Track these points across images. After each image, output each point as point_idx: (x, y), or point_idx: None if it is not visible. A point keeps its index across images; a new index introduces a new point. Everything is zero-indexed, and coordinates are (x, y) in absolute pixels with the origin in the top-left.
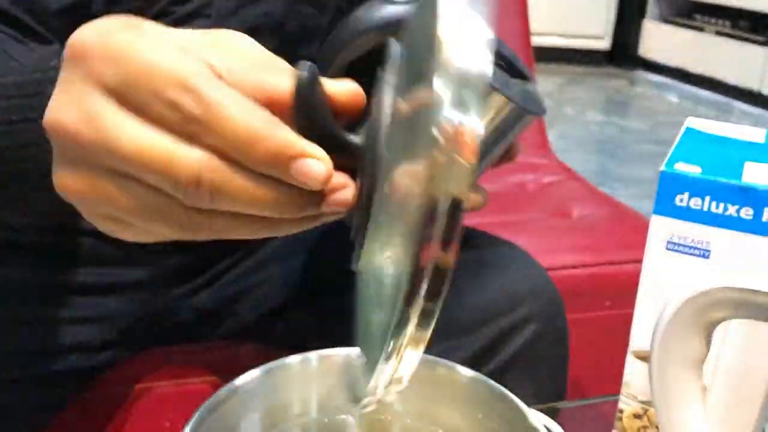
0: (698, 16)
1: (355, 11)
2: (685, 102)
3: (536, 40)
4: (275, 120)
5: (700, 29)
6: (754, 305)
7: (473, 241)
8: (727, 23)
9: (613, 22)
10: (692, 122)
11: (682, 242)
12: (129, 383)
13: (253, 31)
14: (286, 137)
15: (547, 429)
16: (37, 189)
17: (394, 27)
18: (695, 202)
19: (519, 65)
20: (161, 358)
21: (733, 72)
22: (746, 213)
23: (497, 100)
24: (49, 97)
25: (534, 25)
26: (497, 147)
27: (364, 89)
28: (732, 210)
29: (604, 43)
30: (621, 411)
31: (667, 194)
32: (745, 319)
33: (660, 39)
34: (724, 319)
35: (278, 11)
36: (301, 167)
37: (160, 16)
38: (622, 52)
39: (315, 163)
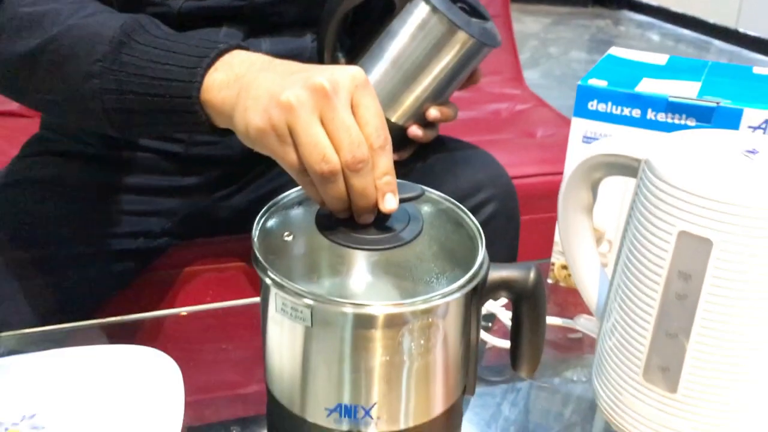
0: None
1: None
2: (666, 40)
3: None
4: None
5: None
6: (620, 166)
7: (448, 145)
8: None
9: None
10: (613, 50)
11: (592, 136)
12: (179, 266)
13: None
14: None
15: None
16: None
17: None
18: (602, 107)
19: (480, 9)
20: (204, 247)
21: (711, 11)
22: (635, 113)
23: (461, 36)
24: (199, 76)
25: None
26: (463, 72)
27: (358, 29)
28: (626, 111)
29: None
30: (553, 264)
31: (582, 102)
32: (617, 176)
33: None
34: (603, 177)
35: None
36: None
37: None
38: None
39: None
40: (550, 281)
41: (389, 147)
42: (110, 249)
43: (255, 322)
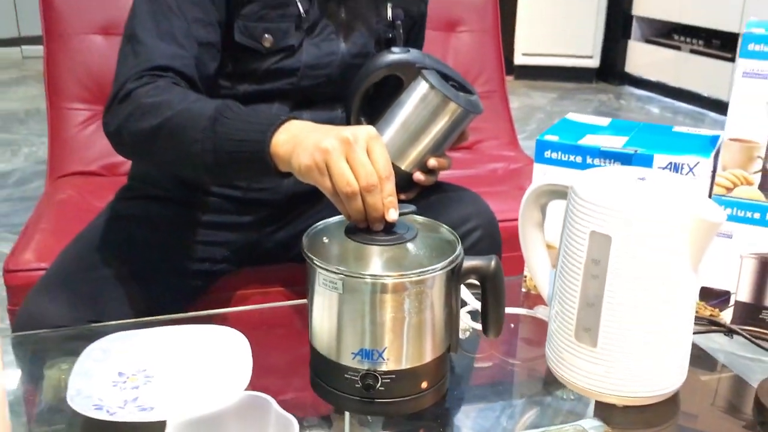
0: (676, 36)
1: (372, 57)
2: (665, 112)
3: (533, 61)
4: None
5: (678, 48)
6: (559, 193)
7: (445, 187)
8: (701, 42)
9: (601, 43)
10: (570, 115)
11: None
12: (233, 289)
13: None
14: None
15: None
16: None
17: (393, 66)
18: (554, 155)
19: (467, 85)
20: (253, 274)
21: (705, 85)
22: (578, 159)
23: (452, 106)
24: (268, 138)
25: (531, 47)
26: (454, 132)
27: (375, 108)
28: (571, 158)
29: (593, 62)
30: (525, 276)
31: (540, 151)
32: (556, 199)
33: (643, 57)
34: (549, 201)
35: (335, 73)
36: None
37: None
38: (610, 70)
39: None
40: (523, 290)
41: (392, 177)
42: (184, 269)
43: (297, 316)
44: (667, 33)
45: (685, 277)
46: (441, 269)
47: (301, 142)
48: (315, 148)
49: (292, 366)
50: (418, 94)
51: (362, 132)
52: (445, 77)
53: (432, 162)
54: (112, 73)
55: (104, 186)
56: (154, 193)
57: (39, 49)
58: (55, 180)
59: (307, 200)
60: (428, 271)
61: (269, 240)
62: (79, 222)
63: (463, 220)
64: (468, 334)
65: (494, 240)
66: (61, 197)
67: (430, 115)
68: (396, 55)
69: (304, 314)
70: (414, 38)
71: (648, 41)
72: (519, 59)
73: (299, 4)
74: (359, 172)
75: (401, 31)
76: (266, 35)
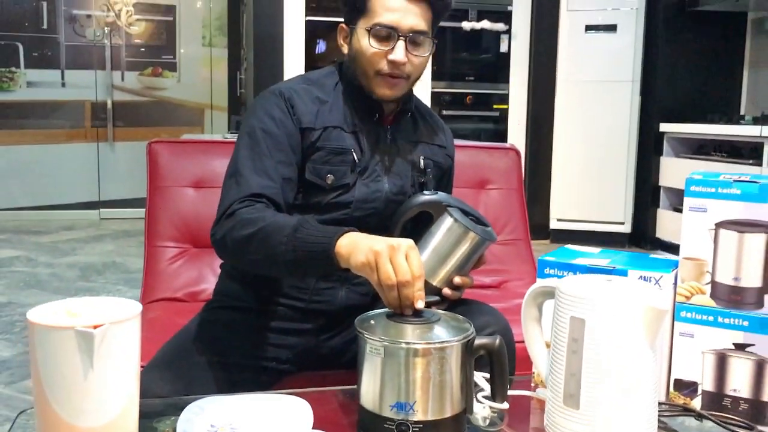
0: None
1: (409, 197)
2: None
3: (568, 226)
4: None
5: None
6: (550, 293)
7: (469, 302)
8: None
9: (632, 211)
10: (568, 246)
11: (549, 291)
12: (295, 387)
13: (370, 214)
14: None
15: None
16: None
17: (426, 204)
18: (552, 271)
19: (483, 219)
20: (311, 377)
21: None
22: (569, 274)
23: (471, 235)
24: (334, 241)
25: (565, 213)
26: (473, 257)
27: (411, 235)
28: (565, 274)
29: (626, 228)
30: (533, 373)
31: (542, 269)
32: (550, 300)
33: (672, 223)
34: (543, 300)
35: (381, 207)
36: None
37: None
38: (642, 235)
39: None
40: (533, 385)
41: (422, 277)
42: (257, 365)
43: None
44: None
45: (644, 351)
46: (457, 341)
47: (358, 245)
48: (368, 250)
49: (341, 423)
50: (445, 226)
51: (404, 243)
52: (465, 213)
53: (457, 280)
54: (200, 217)
55: (186, 309)
56: (234, 304)
57: (114, 212)
58: (146, 304)
59: (357, 312)
60: (448, 341)
61: (325, 346)
62: (165, 334)
63: (483, 326)
64: (487, 421)
65: (510, 345)
66: (151, 316)
67: (454, 243)
68: (427, 196)
69: (353, 381)
70: (444, 185)
71: (676, 209)
72: (554, 224)
73: (354, 153)
74: (398, 270)
75: (431, 176)
76: (329, 175)
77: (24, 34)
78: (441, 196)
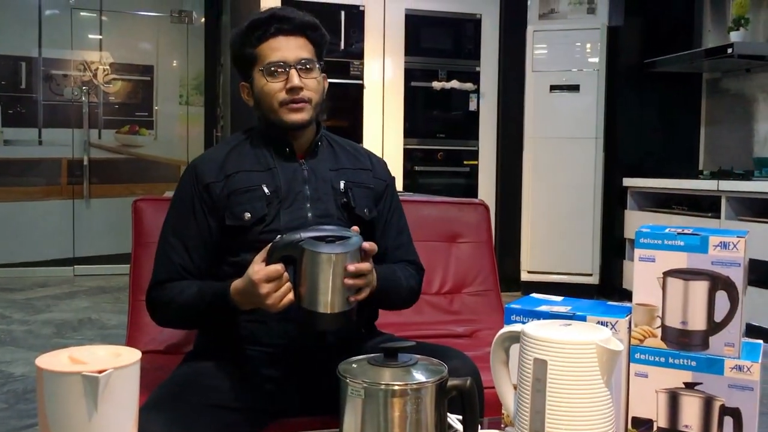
0: None
1: (279, 237)
2: None
3: (539, 278)
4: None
5: None
6: (515, 338)
7: (441, 349)
8: None
9: (599, 263)
10: (534, 295)
11: (515, 336)
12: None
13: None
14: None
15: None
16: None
17: (283, 250)
18: (518, 318)
19: (344, 233)
20: (297, 422)
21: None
22: (534, 320)
23: (324, 256)
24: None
25: (535, 266)
26: (342, 270)
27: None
28: (529, 320)
29: (594, 279)
30: (503, 414)
31: (509, 316)
32: (516, 344)
33: None
34: (510, 344)
35: None
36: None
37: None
38: (610, 286)
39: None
40: (503, 425)
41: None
42: (245, 408)
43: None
44: None
45: (601, 389)
46: (432, 383)
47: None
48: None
49: None
50: (307, 260)
51: (255, 280)
52: (321, 238)
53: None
54: None
55: (170, 361)
56: (212, 353)
57: (89, 268)
58: None
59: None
60: (424, 382)
61: (306, 390)
62: (151, 385)
63: (452, 369)
64: None
65: (478, 386)
66: None
67: (317, 268)
68: (282, 240)
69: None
70: (388, 206)
71: None
72: (525, 276)
73: (265, 187)
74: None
75: (356, 197)
76: (245, 213)
77: (2, 94)
78: (291, 235)
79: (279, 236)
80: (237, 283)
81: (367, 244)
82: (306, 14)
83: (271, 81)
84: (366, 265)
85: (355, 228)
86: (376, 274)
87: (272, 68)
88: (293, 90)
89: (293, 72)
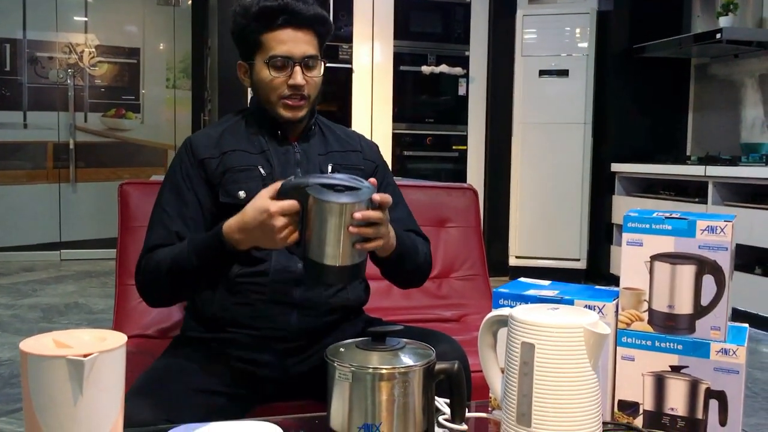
0: None
1: (288, 179)
2: None
3: (527, 263)
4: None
5: None
6: (503, 322)
7: (429, 334)
8: None
9: (587, 248)
10: (521, 279)
11: (503, 320)
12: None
13: None
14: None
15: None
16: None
17: (289, 194)
18: (506, 302)
19: (354, 182)
20: (283, 406)
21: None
22: (522, 304)
23: (333, 205)
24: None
25: (523, 250)
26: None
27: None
28: (517, 304)
29: (581, 264)
30: (491, 398)
31: (496, 300)
32: (504, 328)
33: None
34: (498, 328)
35: None
36: None
37: None
38: (597, 271)
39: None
40: (490, 409)
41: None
42: (230, 392)
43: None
44: None
45: (588, 372)
46: (419, 366)
47: (245, 225)
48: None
49: None
50: (310, 208)
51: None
52: (330, 186)
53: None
54: None
55: (157, 345)
56: (198, 336)
57: (75, 252)
58: None
59: (316, 337)
60: (411, 366)
61: (293, 373)
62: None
63: (441, 354)
64: None
65: (466, 369)
66: None
67: (323, 217)
68: (290, 182)
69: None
70: (382, 180)
71: None
72: (513, 261)
73: (261, 168)
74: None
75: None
76: (240, 192)
77: None
78: (299, 179)
79: (289, 178)
80: (232, 221)
81: (378, 196)
82: (316, 5)
83: (274, 74)
84: (375, 214)
85: (373, 180)
86: (395, 234)
87: (277, 62)
88: (295, 87)
89: (297, 69)
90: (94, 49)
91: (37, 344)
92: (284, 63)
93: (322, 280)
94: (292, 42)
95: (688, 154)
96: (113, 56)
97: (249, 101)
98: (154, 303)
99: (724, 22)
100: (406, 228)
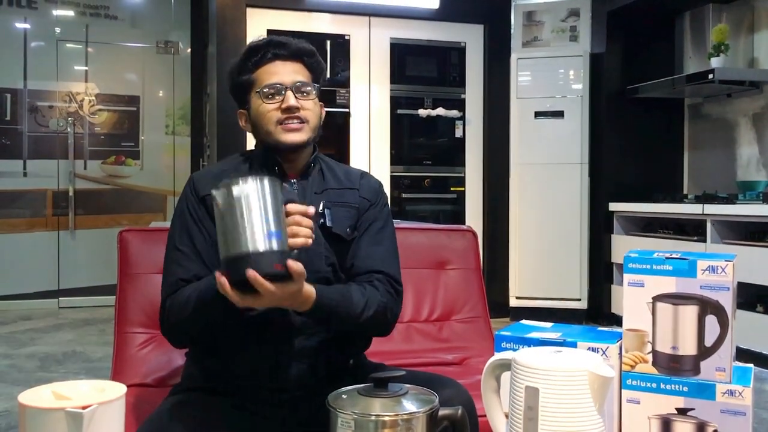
0: None
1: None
2: None
3: (527, 303)
4: None
5: None
6: (506, 365)
7: (434, 379)
8: None
9: (587, 287)
10: (523, 321)
11: (506, 363)
12: None
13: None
14: None
15: None
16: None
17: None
18: (508, 345)
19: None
20: None
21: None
22: (524, 348)
23: (234, 189)
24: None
25: (523, 291)
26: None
27: None
28: (519, 347)
29: (582, 304)
30: None
31: (499, 343)
32: (507, 372)
33: None
34: (501, 372)
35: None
36: None
37: None
38: (598, 311)
39: None
40: None
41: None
42: None
43: None
44: None
45: (593, 417)
46: (423, 413)
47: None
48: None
49: None
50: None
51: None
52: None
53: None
54: None
55: (155, 394)
56: (202, 385)
57: (74, 300)
58: None
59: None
60: (414, 413)
61: (291, 422)
62: (137, 419)
63: (446, 399)
64: None
65: (471, 414)
66: None
67: (226, 208)
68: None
69: None
70: (367, 220)
71: None
72: (513, 302)
73: None
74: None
75: (330, 214)
76: None
77: None
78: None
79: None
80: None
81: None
82: (302, 41)
83: (267, 102)
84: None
85: (311, 209)
86: (322, 289)
87: (269, 90)
88: (289, 109)
89: (289, 93)
90: (94, 98)
91: (36, 396)
92: (276, 90)
93: (243, 271)
94: (282, 72)
95: (684, 192)
96: (113, 104)
97: (254, 147)
98: (181, 343)
99: (715, 62)
100: (373, 269)
